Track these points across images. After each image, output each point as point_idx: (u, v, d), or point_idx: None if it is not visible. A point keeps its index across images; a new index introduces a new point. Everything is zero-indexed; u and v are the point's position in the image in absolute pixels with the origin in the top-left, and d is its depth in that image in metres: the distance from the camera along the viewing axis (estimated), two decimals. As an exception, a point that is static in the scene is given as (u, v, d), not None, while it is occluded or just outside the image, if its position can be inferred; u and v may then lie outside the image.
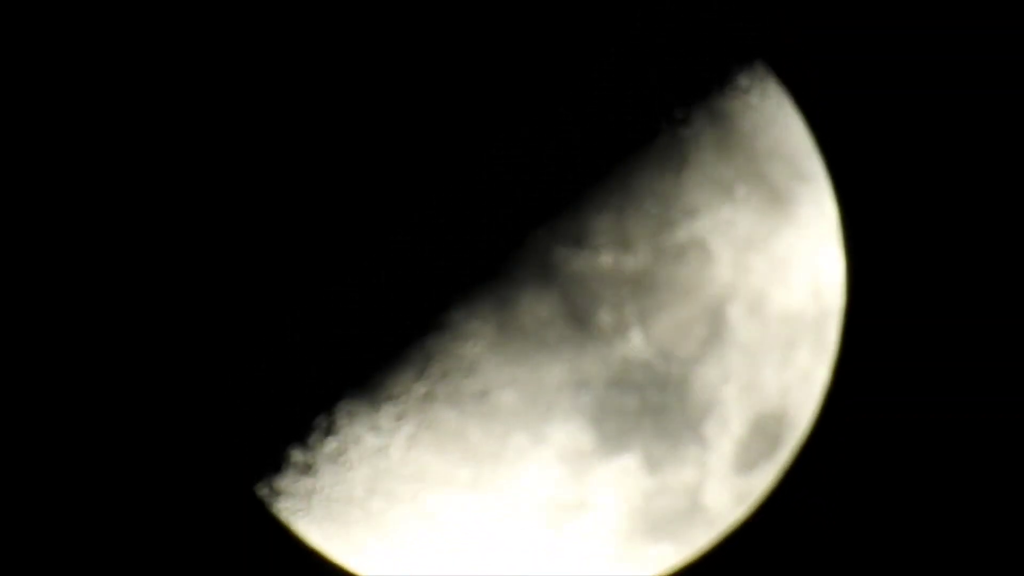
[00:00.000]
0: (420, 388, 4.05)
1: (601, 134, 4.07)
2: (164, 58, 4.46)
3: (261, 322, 4.12)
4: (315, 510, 4.35)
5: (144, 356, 4.44)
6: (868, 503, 5.89)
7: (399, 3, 4.18)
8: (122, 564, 5.36)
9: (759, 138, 4.36)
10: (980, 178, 5.88)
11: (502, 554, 4.27)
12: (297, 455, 4.23)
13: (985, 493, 5.90)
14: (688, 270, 4.12)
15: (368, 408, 4.09)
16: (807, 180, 4.51)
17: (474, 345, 4.01)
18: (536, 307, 3.99)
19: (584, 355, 4.04)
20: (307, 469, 4.25)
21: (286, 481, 4.32)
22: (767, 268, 4.29)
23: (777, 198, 4.34)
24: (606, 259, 4.02)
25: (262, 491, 4.42)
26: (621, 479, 4.20)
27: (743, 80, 4.41)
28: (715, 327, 4.18)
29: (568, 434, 4.10)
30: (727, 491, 4.45)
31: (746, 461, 4.44)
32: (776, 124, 4.46)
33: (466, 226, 3.96)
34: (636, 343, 4.08)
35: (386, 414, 4.09)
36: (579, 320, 4.02)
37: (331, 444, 4.17)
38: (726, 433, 4.32)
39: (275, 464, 4.30)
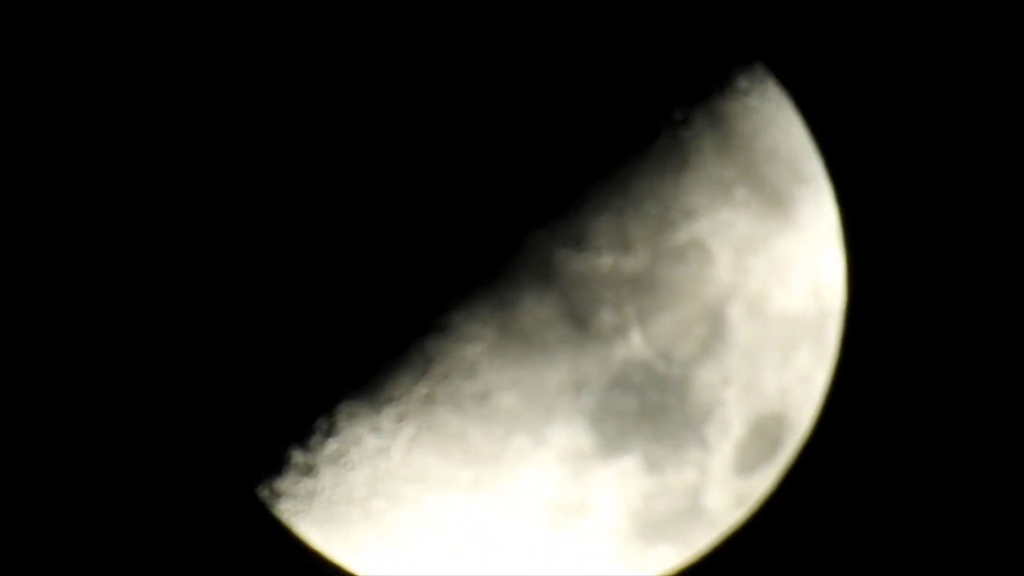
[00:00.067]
0: (421, 390, 4.05)
1: (601, 134, 4.07)
2: (164, 58, 4.46)
3: (261, 322, 4.12)
4: (316, 511, 4.35)
5: (144, 356, 4.44)
6: (868, 504, 5.90)
7: (399, 3, 4.18)
8: (122, 564, 5.36)
9: (759, 140, 4.36)
10: (980, 178, 5.88)
11: (503, 555, 4.27)
12: (298, 456, 4.24)
13: (986, 493, 5.90)
14: (688, 271, 4.12)
15: (369, 410, 4.09)
16: (807, 181, 4.51)
17: (475, 347, 4.01)
18: (536, 308, 4.00)
19: (584, 356, 4.04)
20: (308, 470, 4.25)
21: (287, 482, 4.32)
22: (767, 269, 4.29)
23: (777, 200, 4.34)
24: (606, 260, 4.03)
25: (263, 492, 4.42)
26: (621, 480, 4.21)
27: (743, 81, 4.41)
28: (715, 328, 4.19)
29: (568, 436, 4.10)
30: (727, 493, 4.45)
31: (746, 463, 4.44)
32: (776, 125, 4.46)
33: (466, 227, 3.96)
34: (636, 344, 4.08)
35: (387, 416, 4.09)
36: (579, 321, 4.02)
37: (332, 445, 4.17)
38: (726, 435, 4.32)
39: (276, 465, 4.30)
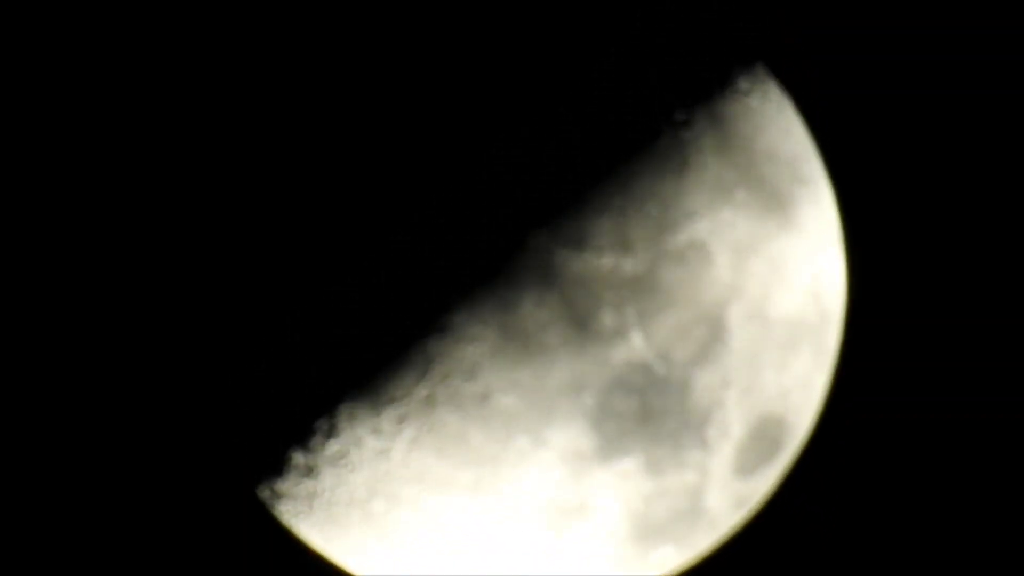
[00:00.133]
0: (421, 391, 4.05)
1: (601, 135, 4.07)
2: (164, 58, 4.45)
3: (261, 322, 4.12)
4: (316, 512, 4.35)
5: (144, 356, 4.44)
6: (869, 505, 5.90)
7: (399, 3, 4.17)
8: (123, 565, 5.36)
9: (759, 141, 4.36)
10: (980, 178, 5.88)
11: (503, 557, 4.27)
12: (299, 458, 4.24)
13: (986, 494, 5.90)
14: (688, 273, 4.12)
15: (369, 411, 4.09)
16: (807, 183, 4.51)
17: (475, 348, 4.01)
18: (537, 310, 3.99)
19: (585, 358, 4.04)
20: (309, 472, 4.25)
21: (287, 483, 4.32)
22: (767, 271, 4.29)
23: (777, 201, 4.34)
24: (607, 261, 4.03)
25: (263, 493, 4.42)
26: (621, 482, 4.21)
27: (743, 82, 4.41)
28: (715, 330, 4.18)
29: (569, 437, 4.10)
30: (727, 494, 4.45)
31: (746, 464, 4.44)
32: (776, 126, 4.46)
33: (466, 227, 3.96)
34: (636, 346, 4.08)
35: (387, 417, 4.09)
36: (580, 323, 4.02)
37: (332, 447, 4.17)
38: (726, 436, 4.32)
39: (276, 467, 4.30)
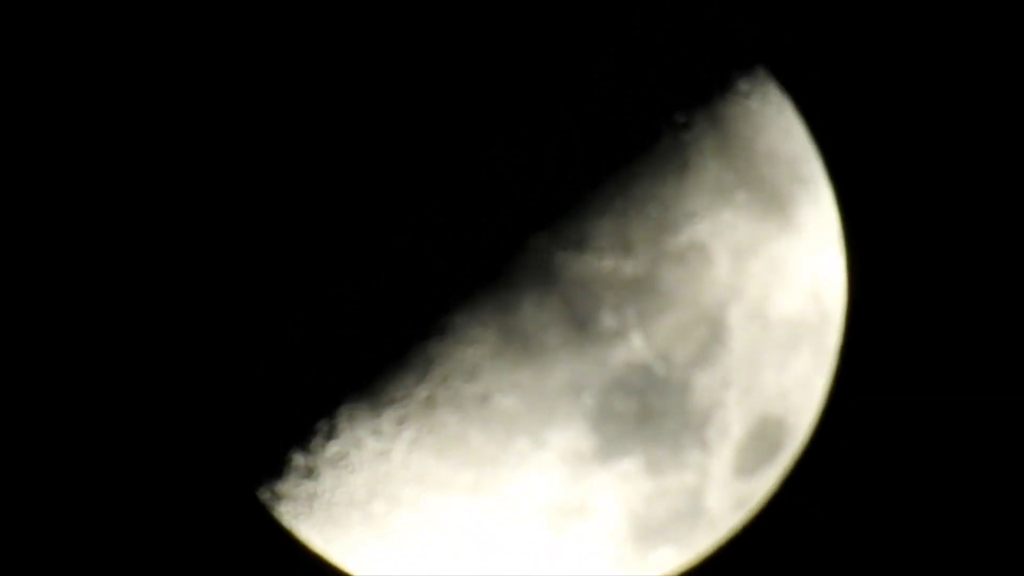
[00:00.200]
0: (422, 392, 4.05)
1: (601, 135, 4.07)
2: (164, 58, 4.45)
3: (261, 322, 4.12)
4: (316, 514, 4.35)
5: (144, 356, 4.44)
6: (869, 506, 5.90)
7: (399, 3, 4.17)
8: (123, 566, 5.36)
9: (759, 142, 4.36)
10: (980, 178, 5.88)
11: (503, 558, 4.27)
12: (299, 459, 4.24)
13: (986, 494, 5.90)
14: (689, 274, 4.12)
15: (369, 412, 4.09)
16: (807, 184, 4.51)
17: (475, 349, 4.01)
18: (537, 311, 3.99)
19: (585, 359, 4.04)
20: (309, 473, 4.25)
21: (288, 485, 4.32)
22: (767, 272, 4.29)
23: (777, 202, 4.34)
24: (607, 263, 4.02)
25: (264, 495, 4.42)
26: (622, 483, 4.21)
27: (744, 84, 4.41)
28: (715, 331, 4.18)
29: (569, 438, 4.10)
30: (728, 495, 4.45)
31: (746, 465, 4.45)
32: (776, 128, 4.46)
33: (466, 227, 3.96)
34: (637, 347, 4.08)
35: (388, 418, 4.09)
36: (580, 324, 4.02)
37: (333, 448, 4.17)
38: (726, 437, 4.32)
39: (276, 468, 4.30)
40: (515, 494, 4.15)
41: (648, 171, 4.09)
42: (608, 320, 4.04)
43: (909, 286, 5.87)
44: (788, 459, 4.68)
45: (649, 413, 4.15)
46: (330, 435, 4.15)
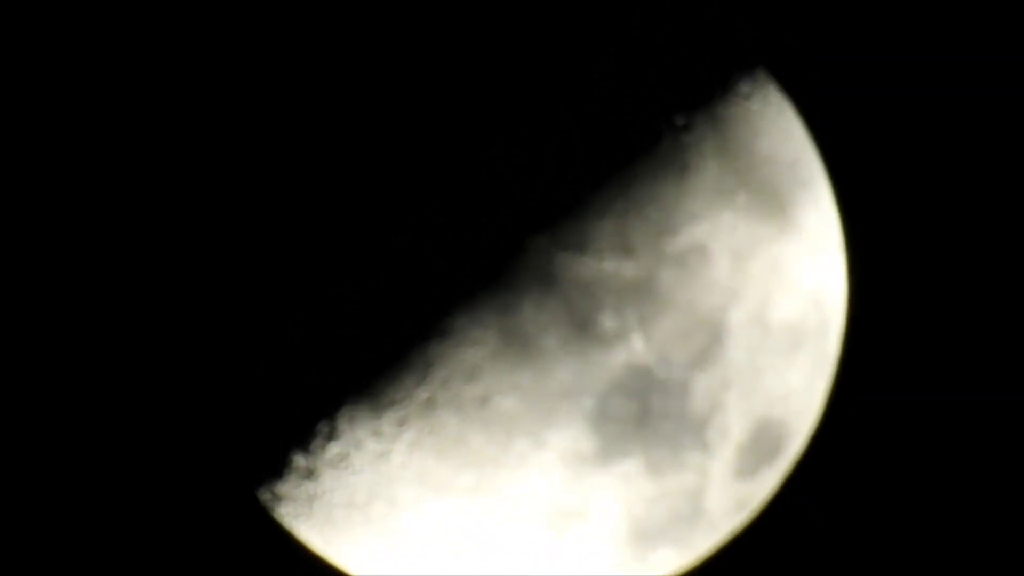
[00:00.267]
0: (422, 393, 4.05)
1: (601, 136, 4.07)
2: (164, 58, 4.45)
3: (261, 322, 4.12)
4: (317, 515, 4.35)
5: (144, 357, 4.44)
6: (869, 507, 5.90)
7: (399, 3, 4.17)
8: (123, 567, 5.36)
9: (760, 144, 4.36)
10: (980, 179, 5.88)
11: (503, 558, 4.27)
12: (299, 460, 4.24)
13: (987, 495, 5.90)
14: (689, 276, 4.12)
15: (370, 413, 4.10)
16: (808, 186, 4.51)
17: (476, 351, 4.01)
18: (537, 313, 3.99)
19: (585, 361, 4.05)
20: (309, 474, 4.25)
21: (288, 486, 4.33)
22: (768, 274, 4.29)
23: (778, 204, 4.34)
24: (607, 264, 4.03)
25: (264, 496, 4.42)
26: (622, 484, 4.21)
27: (744, 86, 4.41)
28: (716, 333, 4.19)
29: (569, 439, 4.10)
30: (728, 496, 4.45)
31: (747, 466, 4.45)
32: (777, 130, 4.46)
33: (466, 227, 3.96)
34: (637, 349, 4.09)
35: (388, 419, 4.09)
36: (580, 326, 4.02)
37: (333, 449, 4.17)
38: (727, 438, 4.32)
39: (277, 469, 4.30)
40: (515, 495, 4.15)
41: (648, 173, 4.09)
42: (608, 322, 4.04)
43: (910, 287, 5.87)
44: (788, 461, 4.68)
45: (649, 414, 4.15)
46: (330, 436, 4.15)
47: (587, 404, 4.08)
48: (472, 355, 4.01)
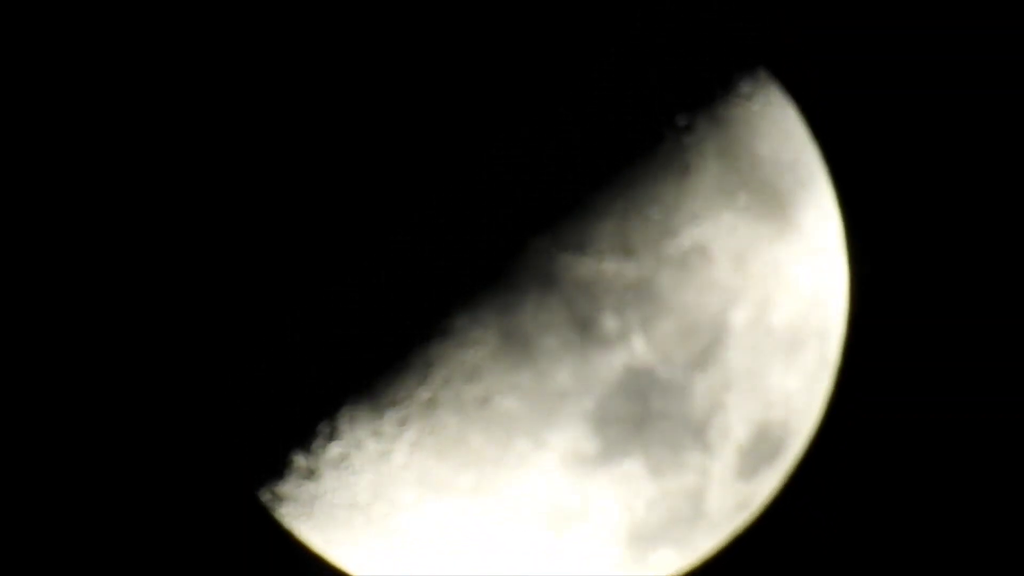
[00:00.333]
0: (423, 394, 4.05)
1: (602, 136, 4.07)
2: (164, 58, 4.45)
3: (261, 322, 4.12)
4: (318, 515, 4.35)
5: (144, 357, 4.44)
6: (870, 507, 5.90)
7: (399, 3, 4.17)
8: (123, 566, 5.36)
9: (761, 144, 4.36)
10: (981, 179, 5.88)
11: (503, 558, 4.27)
12: (299, 460, 4.24)
13: (987, 495, 5.90)
14: (690, 276, 4.12)
15: (370, 413, 4.09)
16: (809, 186, 4.51)
17: (476, 351, 4.01)
18: (538, 313, 3.99)
19: (586, 361, 4.04)
20: (310, 474, 4.25)
21: (288, 486, 4.32)
22: (769, 274, 4.29)
23: (779, 204, 4.34)
24: (608, 265, 4.02)
25: (264, 496, 4.42)
26: (623, 484, 4.21)
27: (745, 86, 4.41)
28: (717, 333, 4.19)
29: (570, 440, 4.10)
30: (729, 497, 4.45)
31: (749, 467, 4.45)
32: (778, 130, 4.46)
33: (467, 227, 3.96)
34: (638, 349, 4.09)
35: (389, 419, 4.09)
36: (581, 326, 4.02)
37: (334, 449, 4.17)
38: (728, 439, 4.32)
39: (277, 469, 4.30)
40: (515, 495, 4.15)
41: (649, 173, 4.09)
42: (609, 322, 4.04)
43: (910, 287, 5.88)
44: (789, 461, 4.68)
45: (650, 415, 4.15)
46: (331, 436, 4.15)
47: (588, 404, 4.08)
48: (473, 355, 4.01)
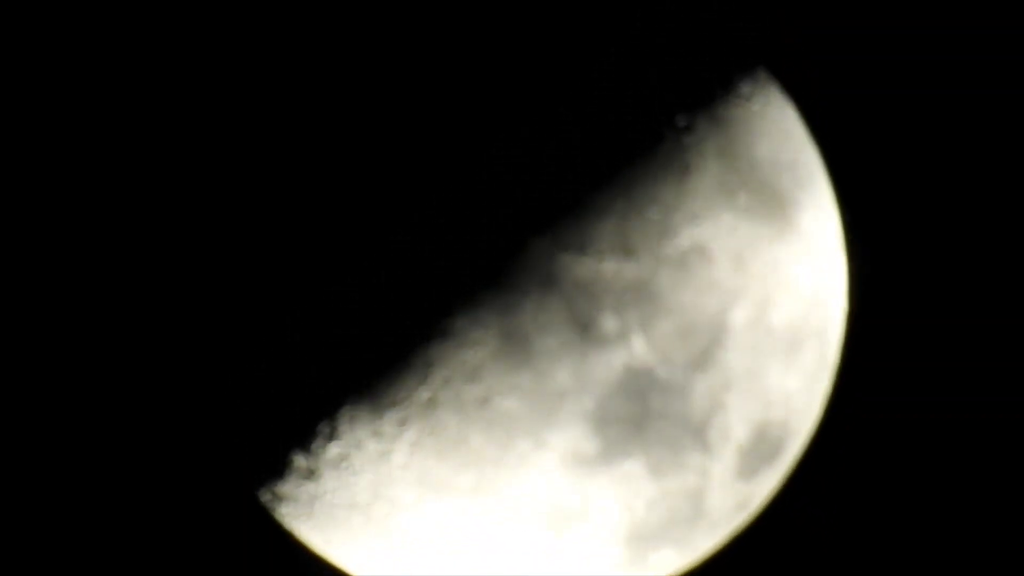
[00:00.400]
0: (423, 394, 4.05)
1: (601, 136, 4.07)
2: (164, 58, 4.45)
3: (261, 322, 4.12)
4: (317, 515, 4.35)
5: (144, 357, 4.44)
6: (870, 507, 5.90)
7: (399, 3, 4.17)
8: (123, 566, 5.36)
9: (761, 144, 4.36)
10: (981, 179, 5.88)
11: (503, 559, 4.27)
12: (300, 460, 4.24)
13: (987, 495, 5.90)
14: (690, 276, 4.12)
15: (371, 414, 4.10)
16: (809, 186, 4.51)
17: (477, 351, 4.01)
18: (538, 313, 3.99)
19: (586, 361, 4.05)
20: (310, 474, 4.25)
21: (288, 486, 4.32)
22: (769, 274, 4.29)
23: (779, 204, 4.34)
24: (608, 265, 4.02)
25: (264, 496, 4.42)
26: (623, 485, 4.21)
27: (745, 86, 4.41)
28: (717, 334, 4.19)
29: (570, 440, 4.10)
30: (729, 497, 4.45)
31: (748, 467, 4.45)
32: (778, 130, 4.46)
33: (467, 227, 3.96)
34: (638, 349, 4.09)
35: (389, 420, 4.09)
36: (581, 326, 4.02)
37: (334, 449, 4.17)
38: (728, 439, 4.32)
39: (277, 469, 4.30)
40: (515, 495, 4.15)
41: (649, 173, 4.09)
42: (609, 323, 4.04)
43: (910, 287, 5.88)
44: (789, 461, 4.68)
45: (650, 415, 4.15)
46: (331, 436, 4.15)
47: (588, 405, 4.08)
48: (473, 355, 4.01)
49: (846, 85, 5.82)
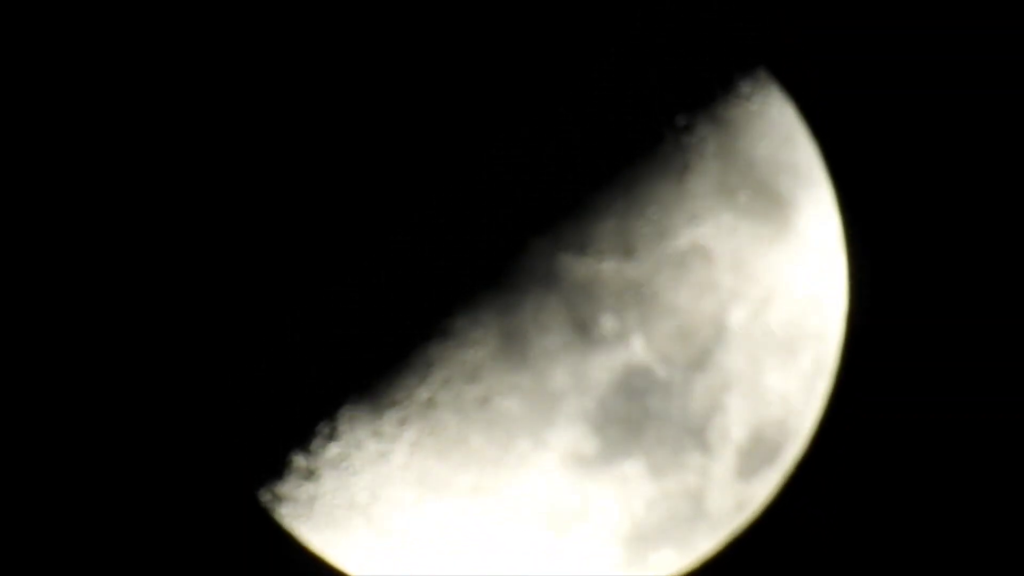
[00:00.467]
0: (422, 394, 4.05)
1: (601, 136, 4.07)
2: (164, 58, 4.45)
3: (261, 322, 4.12)
4: (317, 515, 4.35)
5: (144, 357, 4.44)
6: (870, 508, 5.90)
7: (399, 3, 4.17)
8: (123, 566, 5.36)
9: (761, 144, 4.36)
10: (981, 179, 5.88)
11: (503, 559, 4.27)
12: (299, 460, 4.24)
13: (987, 495, 5.90)
14: (690, 277, 4.12)
15: (370, 414, 4.10)
16: (809, 186, 4.51)
17: (477, 351, 4.01)
18: (538, 313, 4.00)
19: (586, 361, 4.05)
20: (309, 474, 4.25)
21: (288, 486, 4.32)
22: (769, 274, 4.29)
23: (779, 204, 4.34)
24: (608, 265, 4.02)
25: (264, 496, 4.42)
26: (623, 485, 4.21)
27: (745, 86, 4.41)
28: (716, 333, 4.19)
29: (570, 440, 4.10)
30: (729, 497, 4.45)
31: (748, 467, 4.45)
32: (778, 130, 4.46)
33: (467, 227, 3.96)
34: (638, 349, 4.09)
35: (388, 420, 4.09)
36: (581, 327, 4.02)
37: (333, 449, 4.17)
38: (728, 439, 4.32)
39: (277, 469, 4.30)
40: (515, 495, 4.15)
41: (649, 173, 4.09)
42: (609, 323, 4.04)
43: (910, 288, 5.87)
44: (788, 461, 4.68)
45: (650, 415, 4.15)
46: (331, 437, 4.15)
47: (588, 405, 4.08)
48: (473, 355, 4.01)
49: (846, 85, 5.82)
